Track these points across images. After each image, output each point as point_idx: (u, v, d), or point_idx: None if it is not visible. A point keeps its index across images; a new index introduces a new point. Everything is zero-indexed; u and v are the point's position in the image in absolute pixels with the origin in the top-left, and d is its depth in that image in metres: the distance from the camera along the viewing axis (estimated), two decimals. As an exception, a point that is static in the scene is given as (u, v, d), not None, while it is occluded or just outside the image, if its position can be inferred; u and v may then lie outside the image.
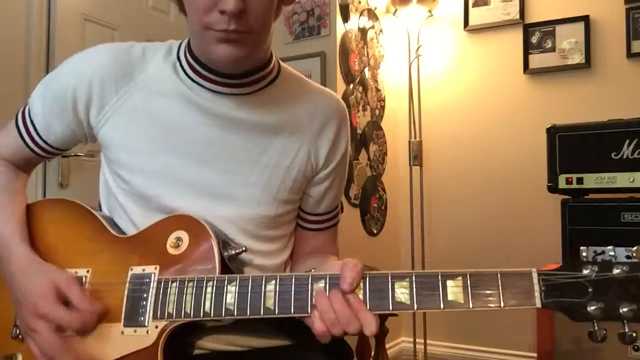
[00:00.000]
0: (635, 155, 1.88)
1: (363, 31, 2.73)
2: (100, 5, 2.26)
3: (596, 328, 0.66)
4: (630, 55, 2.47)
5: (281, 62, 0.96)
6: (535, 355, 1.93)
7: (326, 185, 0.98)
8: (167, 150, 0.86)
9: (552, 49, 2.62)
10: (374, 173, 2.80)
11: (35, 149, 0.93)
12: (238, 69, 0.85)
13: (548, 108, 2.64)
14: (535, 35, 2.66)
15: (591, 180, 1.94)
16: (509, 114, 2.75)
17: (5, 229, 0.85)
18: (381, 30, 2.89)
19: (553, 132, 2.03)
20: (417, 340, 2.80)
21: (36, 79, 2.00)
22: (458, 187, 2.86)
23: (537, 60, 2.65)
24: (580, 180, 1.96)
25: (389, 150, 2.92)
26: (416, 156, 2.84)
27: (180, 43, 0.92)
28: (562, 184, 1.99)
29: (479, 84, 2.83)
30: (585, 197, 2.00)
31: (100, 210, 0.99)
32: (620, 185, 1.90)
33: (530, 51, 2.67)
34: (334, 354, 0.93)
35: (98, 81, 0.86)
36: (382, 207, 2.87)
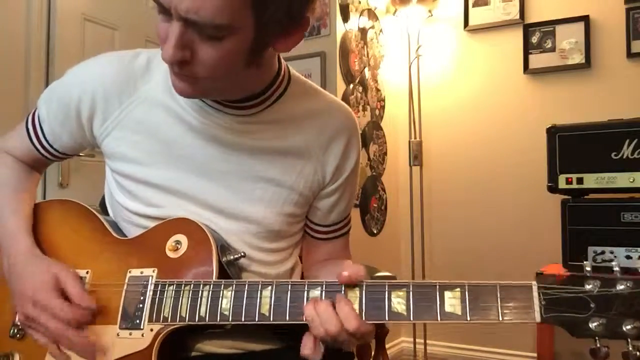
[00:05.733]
0: (635, 155, 1.88)
1: (363, 31, 2.73)
2: (100, 5, 2.25)
3: (598, 345, 0.63)
4: (630, 55, 2.47)
5: (292, 72, 0.91)
6: (535, 355, 1.93)
7: (335, 198, 0.96)
8: (170, 165, 0.86)
9: (552, 49, 2.62)
10: (374, 173, 2.79)
11: (44, 152, 0.94)
12: (222, 99, 0.83)
13: (548, 108, 2.64)
14: (535, 35, 2.66)
15: (591, 180, 1.94)
16: (509, 114, 2.75)
17: (11, 223, 0.86)
18: (381, 30, 2.89)
19: (553, 132, 2.03)
20: (417, 340, 2.80)
21: (36, 78, 2.00)
22: (458, 187, 2.86)
23: (537, 60, 2.65)
24: (580, 180, 1.96)
25: (389, 150, 2.92)
26: (416, 156, 2.85)
27: None
28: (562, 184, 1.99)
29: (479, 84, 2.83)
30: (585, 197, 1.99)
31: (104, 212, 0.99)
32: (620, 185, 1.90)
33: (530, 51, 2.67)
34: (333, 357, 0.93)
35: (102, 92, 0.86)
36: (382, 207, 2.87)
